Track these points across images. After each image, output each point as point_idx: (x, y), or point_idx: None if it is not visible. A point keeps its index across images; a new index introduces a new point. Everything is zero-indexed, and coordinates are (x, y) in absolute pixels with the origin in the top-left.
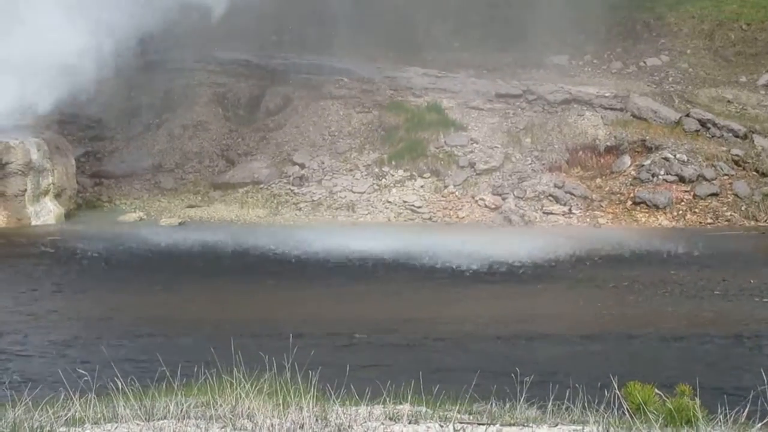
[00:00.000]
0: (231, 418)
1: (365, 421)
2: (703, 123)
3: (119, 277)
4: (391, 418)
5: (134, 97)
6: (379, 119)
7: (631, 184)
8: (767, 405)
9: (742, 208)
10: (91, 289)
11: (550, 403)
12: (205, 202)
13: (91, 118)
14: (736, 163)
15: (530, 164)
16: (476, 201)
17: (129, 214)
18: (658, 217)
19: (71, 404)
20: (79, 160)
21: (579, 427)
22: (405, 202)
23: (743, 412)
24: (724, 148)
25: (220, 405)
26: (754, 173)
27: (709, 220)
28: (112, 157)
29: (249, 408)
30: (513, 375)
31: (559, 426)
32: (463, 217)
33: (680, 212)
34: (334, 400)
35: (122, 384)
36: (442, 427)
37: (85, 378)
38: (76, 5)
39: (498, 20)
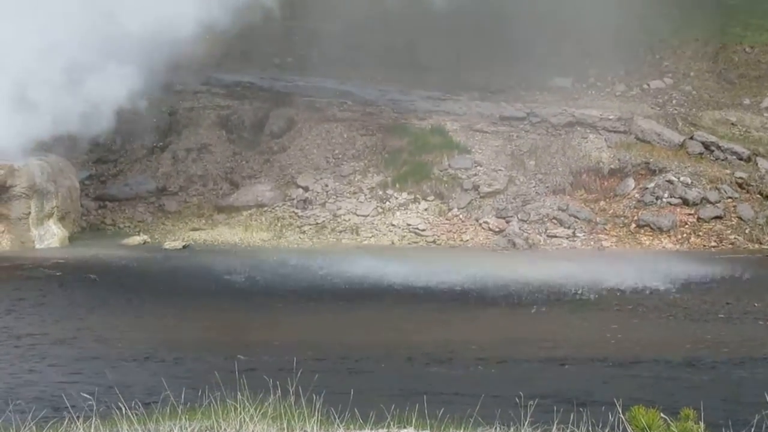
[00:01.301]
0: None
1: None
2: (706, 146)
3: (123, 300)
4: None
5: (138, 119)
6: (383, 142)
7: (635, 207)
8: None
9: (746, 231)
10: (96, 311)
11: (555, 427)
12: (209, 225)
13: (95, 140)
14: (740, 185)
15: (534, 187)
16: (480, 224)
17: (133, 237)
18: (662, 240)
19: (75, 428)
20: (83, 183)
21: None
22: (409, 225)
23: None
24: (728, 171)
25: (225, 429)
26: (758, 196)
27: (713, 243)
28: (116, 180)
29: None
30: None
31: None
32: (467, 240)
33: (684, 235)
34: (338, 424)
35: (125, 408)
36: None
37: (89, 401)
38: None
39: (502, 42)
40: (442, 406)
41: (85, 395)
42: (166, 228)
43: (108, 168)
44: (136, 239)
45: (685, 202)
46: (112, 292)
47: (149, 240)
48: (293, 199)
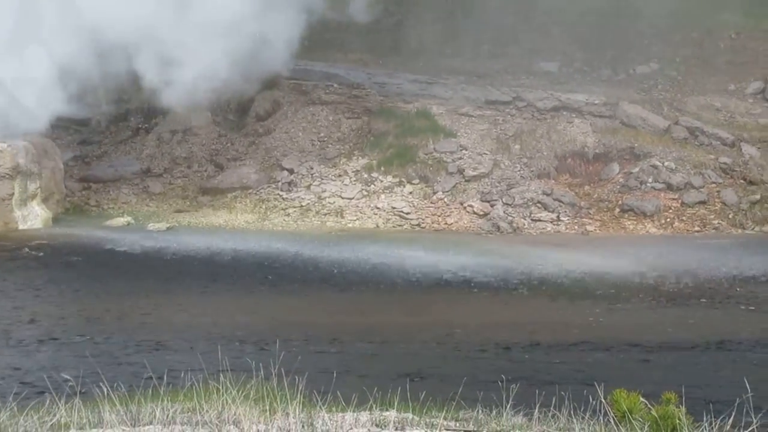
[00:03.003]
0: (217, 424)
1: (351, 428)
2: (691, 131)
3: (105, 281)
4: (377, 425)
5: (123, 101)
6: (369, 125)
7: (619, 192)
8: (752, 413)
9: (730, 216)
10: (77, 292)
11: (537, 410)
12: (194, 207)
13: (80, 122)
14: (724, 171)
15: (519, 171)
16: (465, 207)
17: (117, 218)
18: (646, 224)
19: (56, 409)
20: (67, 164)
21: None
22: (394, 208)
23: (728, 421)
24: (712, 156)
25: (207, 411)
26: (742, 181)
27: (697, 228)
28: (100, 161)
29: (235, 414)
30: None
31: None
32: (452, 224)
33: (668, 220)
34: (320, 407)
35: (108, 389)
36: None
37: (71, 383)
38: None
39: (489, 27)
40: (424, 389)
41: (67, 376)
42: (151, 210)
43: (92, 149)
44: (120, 221)
45: (670, 187)
46: (95, 274)
47: (133, 221)
48: (278, 182)
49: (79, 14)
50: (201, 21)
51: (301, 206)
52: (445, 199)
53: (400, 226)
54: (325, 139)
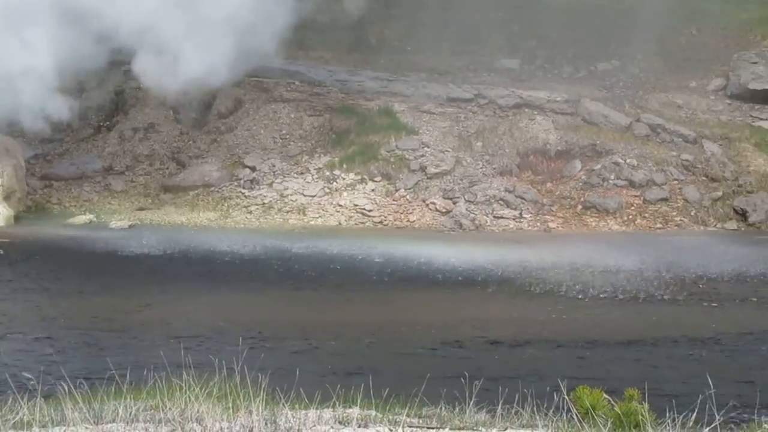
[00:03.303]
0: (180, 422)
1: (315, 425)
2: (653, 128)
3: (67, 279)
4: (340, 422)
5: (85, 99)
6: (330, 122)
7: (581, 189)
8: (714, 409)
9: (692, 213)
10: (40, 291)
11: (500, 407)
12: (156, 205)
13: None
14: (686, 168)
15: (481, 168)
16: (427, 205)
17: (79, 216)
18: (608, 221)
19: (19, 407)
20: (28, 162)
21: (528, 431)
22: (356, 205)
23: (691, 417)
24: (674, 153)
25: (169, 408)
26: (704, 178)
27: (659, 225)
28: (62, 159)
29: (198, 411)
30: (462, 378)
31: (508, 430)
32: (414, 221)
33: (630, 217)
34: (283, 404)
35: (70, 387)
36: (391, 430)
37: (32, 381)
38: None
39: (450, 24)
40: (388, 386)
41: (28, 375)
42: (113, 207)
43: (54, 147)
44: (82, 218)
45: (632, 184)
46: (56, 272)
47: (95, 219)
48: (240, 179)
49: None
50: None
51: (264, 204)
52: (408, 197)
53: (362, 223)
54: (287, 136)
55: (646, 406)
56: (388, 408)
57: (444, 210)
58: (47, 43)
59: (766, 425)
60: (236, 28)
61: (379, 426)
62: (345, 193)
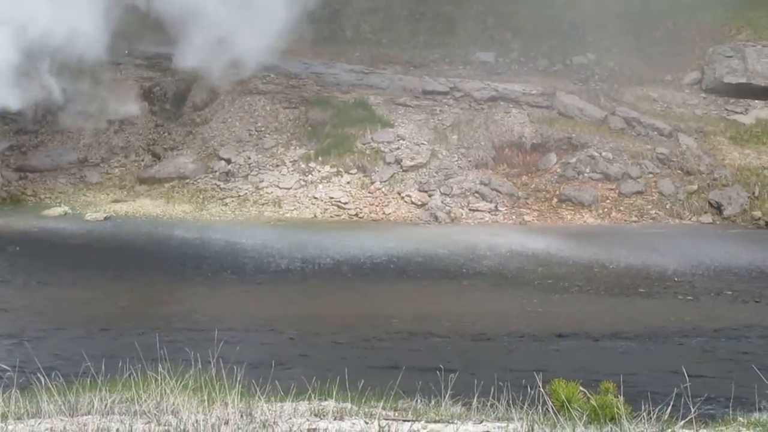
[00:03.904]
0: (156, 414)
1: (290, 417)
2: (628, 121)
3: (42, 271)
4: (316, 415)
5: (60, 90)
6: (306, 115)
7: (556, 182)
8: (690, 402)
9: (667, 206)
10: (15, 282)
11: (475, 400)
12: (131, 197)
13: (15, 111)
14: (661, 161)
15: (456, 161)
16: (402, 197)
17: (54, 208)
18: (584, 214)
19: None
20: (3, 154)
21: (504, 424)
22: (331, 198)
23: (667, 410)
24: (650, 147)
25: (145, 401)
26: (679, 171)
27: (634, 218)
28: (37, 151)
29: (174, 404)
30: (438, 371)
31: (484, 423)
32: (389, 214)
33: (605, 210)
34: (259, 396)
35: (46, 379)
36: (367, 423)
37: (8, 373)
38: None
39: (426, 16)
40: (363, 379)
41: (4, 366)
42: (88, 199)
43: (29, 139)
44: (57, 210)
45: (607, 177)
46: (31, 264)
47: (70, 211)
48: (215, 172)
49: None
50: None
51: (239, 196)
52: (383, 189)
53: (337, 216)
54: (263, 129)
55: (622, 399)
56: (363, 401)
57: (419, 203)
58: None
59: (740, 419)
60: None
61: (355, 419)
62: (320, 186)
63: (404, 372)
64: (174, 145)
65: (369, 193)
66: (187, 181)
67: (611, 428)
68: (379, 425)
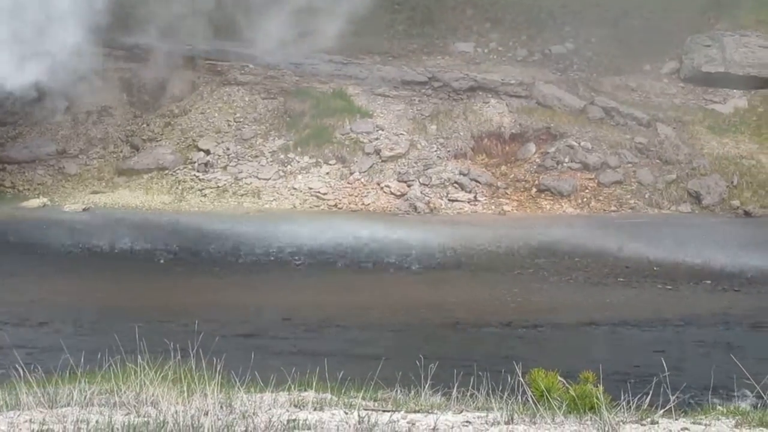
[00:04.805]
0: (135, 405)
1: (270, 408)
2: (607, 111)
3: (19, 263)
4: (296, 405)
5: (38, 81)
6: (285, 105)
7: (535, 172)
8: (669, 391)
9: (646, 196)
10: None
11: (455, 390)
12: (110, 188)
13: None
14: (640, 151)
15: (436, 151)
16: (382, 188)
17: (32, 200)
18: (563, 204)
19: None
20: None
21: (483, 414)
22: (311, 188)
23: (646, 399)
24: (628, 136)
25: (124, 392)
26: (658, 161)
27: (613, 208)
28: (15, 142)
29: (153, 395)
30: (417, 362)
31: (463, 413)
32: (369, 204)
33: (584, 199)
34: (238, 387)
35: (24, 371)
36: (347, 414)
37: None
38: None
39: (404, 7)
40: (342, 369)
41: None
42: (66, 191)
43: (7, 130)
44: (36, 202)
45: (586, 167)
46: (8, 256)
47: (49, 203)
48: (194, 163)
49: None
50: None
51: (218, 187)
52: (362, 180)
53: (317, 206)
54: (241, 119)
55: (601, 388)
56: (343, 391)
57: (398, 193)
58: None
59: (719, 407)
60: None
61: (335, 409)
62: (299, 177)
63: (384, 362)
64: (153, 136)
65: (348, 183)
66: (166, 172)
67: (591, 417)
68: (358, 415)
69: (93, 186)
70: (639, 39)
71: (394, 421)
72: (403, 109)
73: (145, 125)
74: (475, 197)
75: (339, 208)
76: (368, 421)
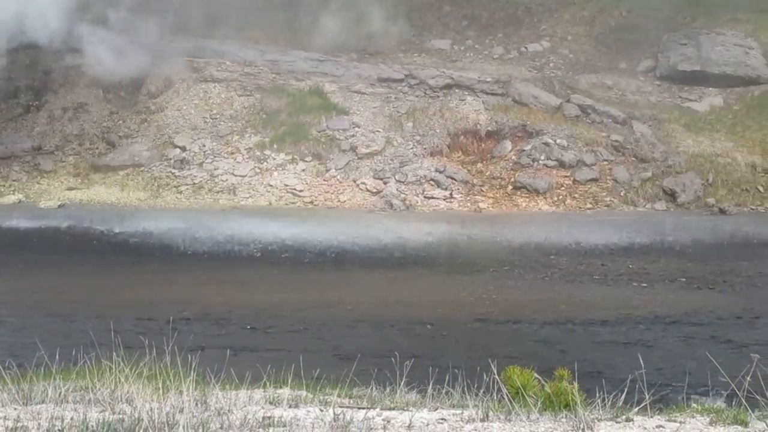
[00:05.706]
0: (110, 402)
1: (245, 405)
2: (583, 109)
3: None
4: (271, 402)
5: (13, 78)
6: (261, 102)
7: (511, 169)
8: (644, 389)
9: (622, 194)
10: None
11: (430, 387)
12: (86, 185)
13: None
14: (616, 148)
15: (412, 149)
16: (358, 185)
17: (8, 196)
18: (539, 201)
19: None
20: None
21: (459, 411)
22: (286, 185)
23: (621, 397)
24: (604, 134)
25: (99, 389)
26: (633, 159)
27: (589, 205)
28: None
29: (128, 392)
30: (393, 359)
31: (439, 410)
32: (345, 201)
33: (560, 197)
34: (214, 384)
35: None
36: (322, 411)
37: None
38: None
39: (381, 4)
40: (318, 366)
41: None
42: (42, 187)
43: None
44: (11, 198)
45: (562, 165)
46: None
47: (24, 199)
48: (170, 159)
49: None
50: None
51: (194, 184)
52: (338, 177)
53: (292, 203)
54: (218, 116)
55: (576, 386)
56: (318, 388)
57: (374, 190)
58: None
59: (694, 405)
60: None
61: (310, 406)
62: (275, 173)
63: (359, 359)
64: (129, 132)
65: (324, 180)
66: (142, 168)
67: (566, 415)
68: (334, 413)
69: (69, 182)
70: (615, 37)
71: (370, 418)
72: (379, 107)
73: (121, 122)
74: (451, 194)
75: (315, 205)
76: (343, 418)
